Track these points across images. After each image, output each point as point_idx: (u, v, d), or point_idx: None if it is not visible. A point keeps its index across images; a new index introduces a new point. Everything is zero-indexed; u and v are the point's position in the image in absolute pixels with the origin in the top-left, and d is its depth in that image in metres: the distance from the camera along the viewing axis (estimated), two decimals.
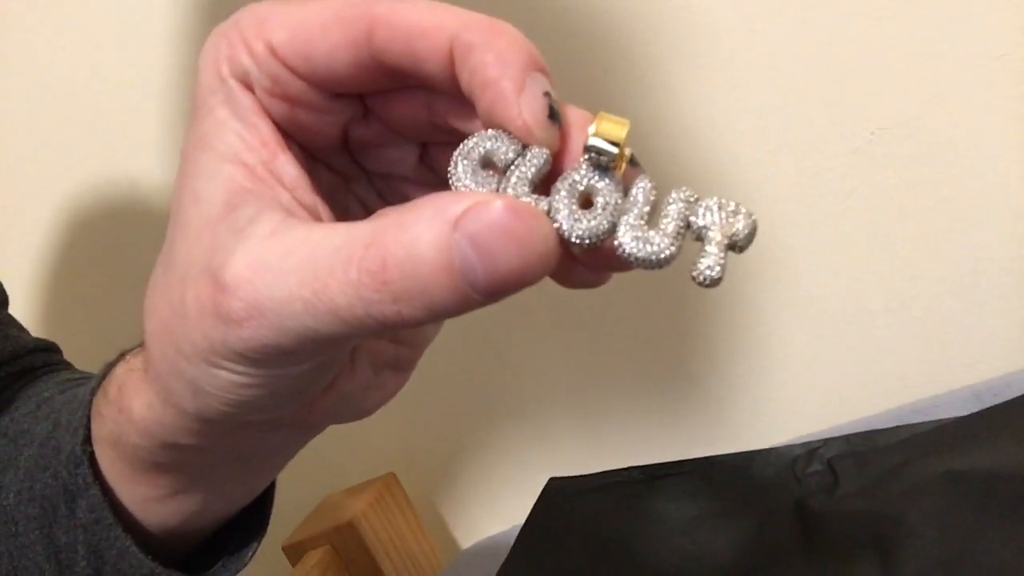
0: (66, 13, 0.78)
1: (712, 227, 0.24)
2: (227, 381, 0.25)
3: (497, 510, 0.82)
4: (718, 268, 0.24)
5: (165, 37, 0.76)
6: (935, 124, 0.66)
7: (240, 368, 0.24)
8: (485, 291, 0.21)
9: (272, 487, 0.39)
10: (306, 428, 0.31)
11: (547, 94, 0.24)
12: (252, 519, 0.38)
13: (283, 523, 0.79)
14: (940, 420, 0.57)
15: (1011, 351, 0.66)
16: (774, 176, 0.69)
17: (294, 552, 0.75)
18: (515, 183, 0.24)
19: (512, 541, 0.62)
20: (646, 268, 0.24)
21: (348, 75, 0.26)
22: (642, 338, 0.75)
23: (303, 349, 0.24)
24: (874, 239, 0.68)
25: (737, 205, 0.25)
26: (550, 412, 0.79)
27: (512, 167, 0.25)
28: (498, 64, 0.23)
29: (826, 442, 0.60)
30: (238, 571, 0.38)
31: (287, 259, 0.23)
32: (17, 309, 0.52)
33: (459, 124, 0.27)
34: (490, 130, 0.25)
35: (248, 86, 0.26)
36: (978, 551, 0.46)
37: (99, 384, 0.34)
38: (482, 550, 0.76)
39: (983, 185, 0.66)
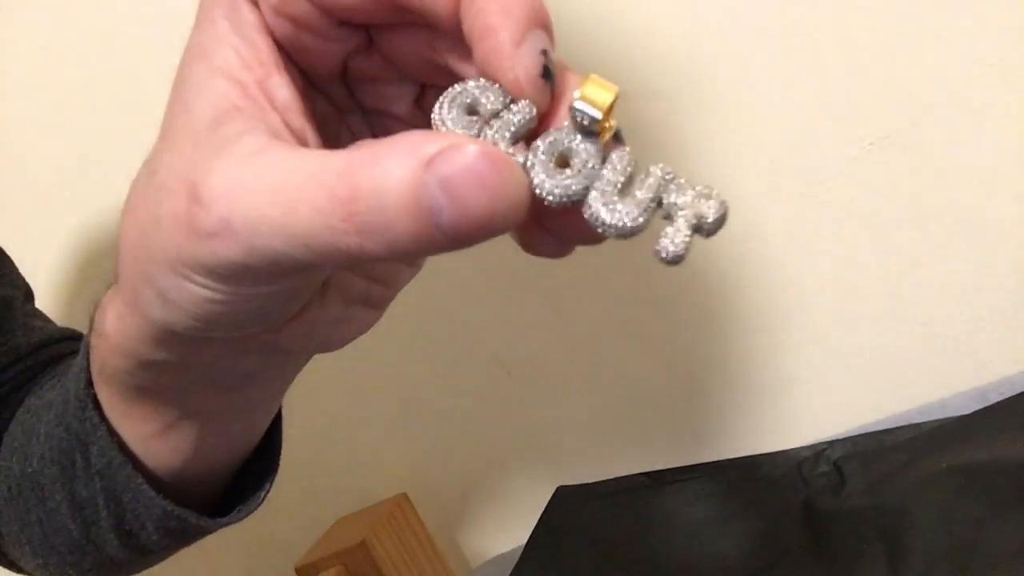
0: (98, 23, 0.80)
1: (682, 206, 0.24)
2: (194, 294, 0.25)
3: (508, 527, 0.82)
4: (681, 245, 0.23)
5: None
6: (932, 132, 0.67)
7: (208, 282, 0.24)
8: (451, 235, 0.21)
9: (278, 433, 0.38)
10: (275, 354, 0.30)
11: (544, 52, 0.23)
12: (264, 466, 0.38)
13: (296, 545, 0.79)
14: (944, 419, 0.57)
15: (1015, 353, 0.66)
16: (775, 186, 0.69)
17: (307, 573, 0.75)
18: (496, 132, 0.24)
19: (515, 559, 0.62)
20: (613, 236, 0.24)
21: (356, 3, 0.25)
22: (648, 348, 0.75)
23: (270, 271, 0.23)
24: (876, 246, 0.69)
25: (711, 190, 0.24)
26: (559, 428, 0.79)
27: (496, 117, 0.24)
28: (500, 14, 0.23)
29: (832, 444, 0.60)
30: (251, 512, 0.38)
31: (262, 179, 0.22)
32: (42, 303, 0.53)
33: (459, 67, 0.26)
34: (482, 79, 0.24)
35: (254, 1, 0.26)
36: (983, 542, 0.46)
37: (91, 320, 0.33)
38: (494, 568, 0.76)
39: (982, 190, 0.67)
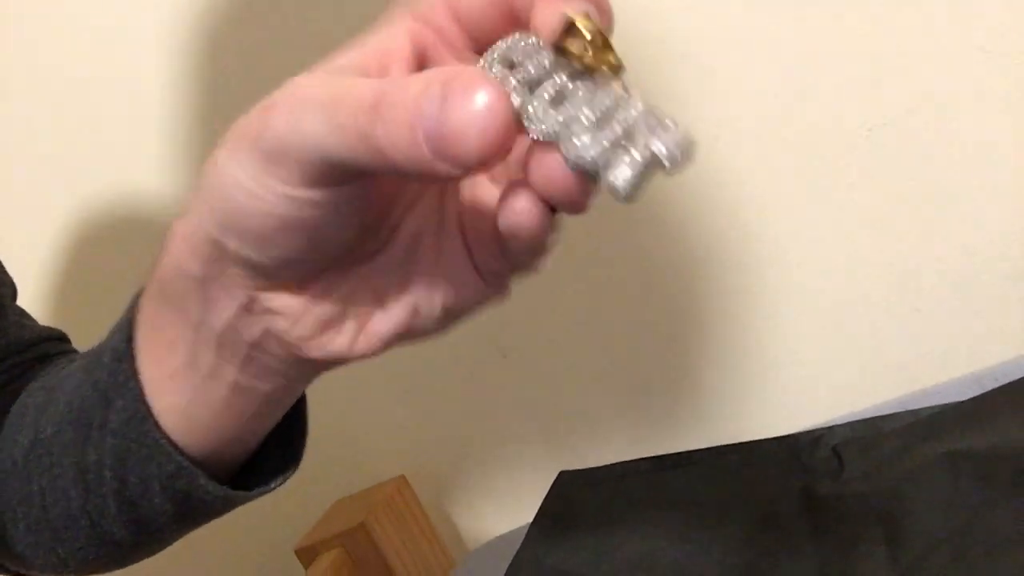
0: (79, 24, 0.80)
1: (639, 141, 0.23)
2: (254, 187, 0.27)
3: (505, 510, 0.83)
4: (626, 181, 0.23)
5: (172, 49, 0.78)
6: (929, 119, 0.67)
7: (262, 167, 0.27)
8: (431, 143, 0.23)
9: (303, 432, 0.40)
10: (291, 356, 0.32)
11: (574, 19, 0.25)
12: (279, 458, 0.40)
13: (295, 527, 0.79)
14: (941, 405, 0.58)
15: (1010, 338, 0.67)
16: (774, 172, 0.70)
17: (307, 555, 0.76)
18: (494, 60, 0.26)
19: (521, 540, 0.63)
20: (573, 168, 0.24)
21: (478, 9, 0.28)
22: (646, 334, 0.76)
23: (306, 157, 0.26)
24: (873, 232, 0.70)
25: (673, 121, 0.24)
26: (557, 412, 0.80)
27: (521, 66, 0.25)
28: None
29: (831, 429, 0.61)
30: (260, 495, 0.39)
31: (334, 80, 0.26)
32: (24, 302, 0.54)
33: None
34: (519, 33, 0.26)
35: (418, 16, 0.29)
36: (981, 526, 0.47)
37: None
38: (492, 549, 0.77)
39: (978, 177, 0.67)
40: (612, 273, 0.74)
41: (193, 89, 0.79)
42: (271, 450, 0.40)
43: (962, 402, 0.57)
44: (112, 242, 0.85)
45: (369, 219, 0.30)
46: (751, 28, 0.68)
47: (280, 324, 0.31)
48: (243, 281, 0.30)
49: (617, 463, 0.66)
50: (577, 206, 0.25)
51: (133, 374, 0.36)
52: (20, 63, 0.82)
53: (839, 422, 0.62)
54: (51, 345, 0.51)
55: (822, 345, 0.72)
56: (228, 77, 0.78)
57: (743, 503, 0.58)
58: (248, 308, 0.31)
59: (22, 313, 0.52)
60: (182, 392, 0.36)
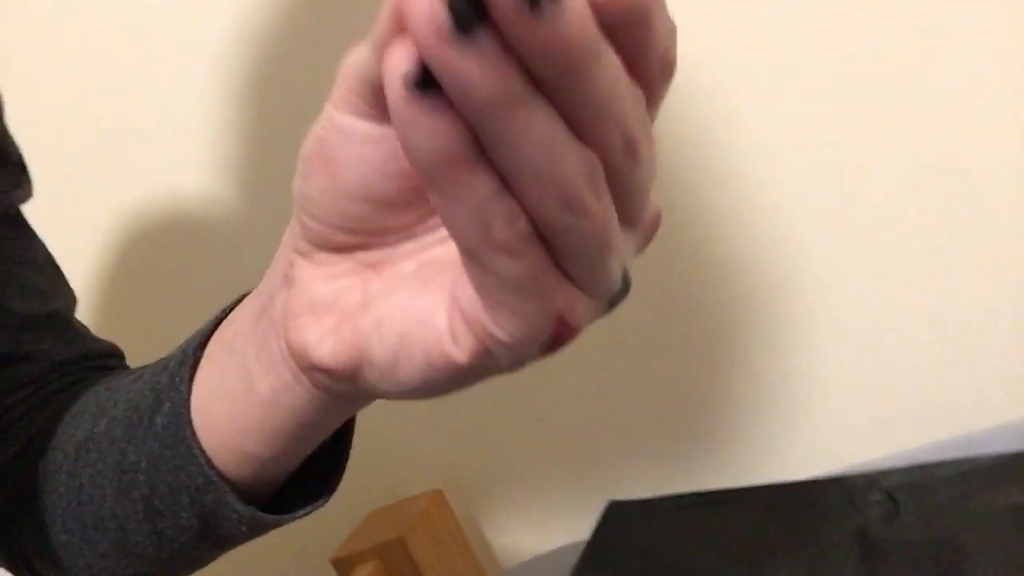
0: (130, 37, 0.80)
1: None
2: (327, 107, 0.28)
3: (539, 529, 0.83)
4: None
5: (211, 64, 0.78)
6: (979, 157, 0.67)
7: (333, 96, 0.28)
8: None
9: (343, 464, 0.41)
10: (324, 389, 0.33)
11: None
12: (319, 489, 0.40)
13: (330, 536, 0.80)
14: (1000, 454, 0.58)
15: None
16: (822, 208, 0.70)
17: (343, 566, 0.76)
18: None
19: (555, 560, 0.63)
20: None
21: None
22: (687, 363, 0.76)
23: (351, 77, 0.27)
24: (921, 271, 0.70)
25: None
26: (594, 434, 0.80)
27: None
28: None
29: (885, 472, 0.61)
30: (291, 520, 0.40)
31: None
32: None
33: None
34: None
35: None
36: None
37: (237, 301, 0.38)
38: (528, 569, 0.77)
39: None
40: (655, 299, 0.75)
41: (237, 98, 0.79)
42: (303, 481, 0.40)
43: (1022, 452, 0.57)
44: (154, 250, 0.85)
45: (385, 191, 0.28)
46: (796, 63, 0.68)
47: (290, 293, 0.31)
48: (295, 241, 0.31)
49: (668, 496, 0.66)
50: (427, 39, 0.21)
51: (189, 377, 0.38)
52: (62, 71, 0.83)
53: (885, 462, 0.62)
54: (109, 360, 0.52)
55: (867, 383, 0.72)
56: (274, 84, 0.78)
57: (796, 543, 0.58)
58: (286, 275, 0.32)
59: (84, 327, 0.54)
60: (209, 379, 0.37)
